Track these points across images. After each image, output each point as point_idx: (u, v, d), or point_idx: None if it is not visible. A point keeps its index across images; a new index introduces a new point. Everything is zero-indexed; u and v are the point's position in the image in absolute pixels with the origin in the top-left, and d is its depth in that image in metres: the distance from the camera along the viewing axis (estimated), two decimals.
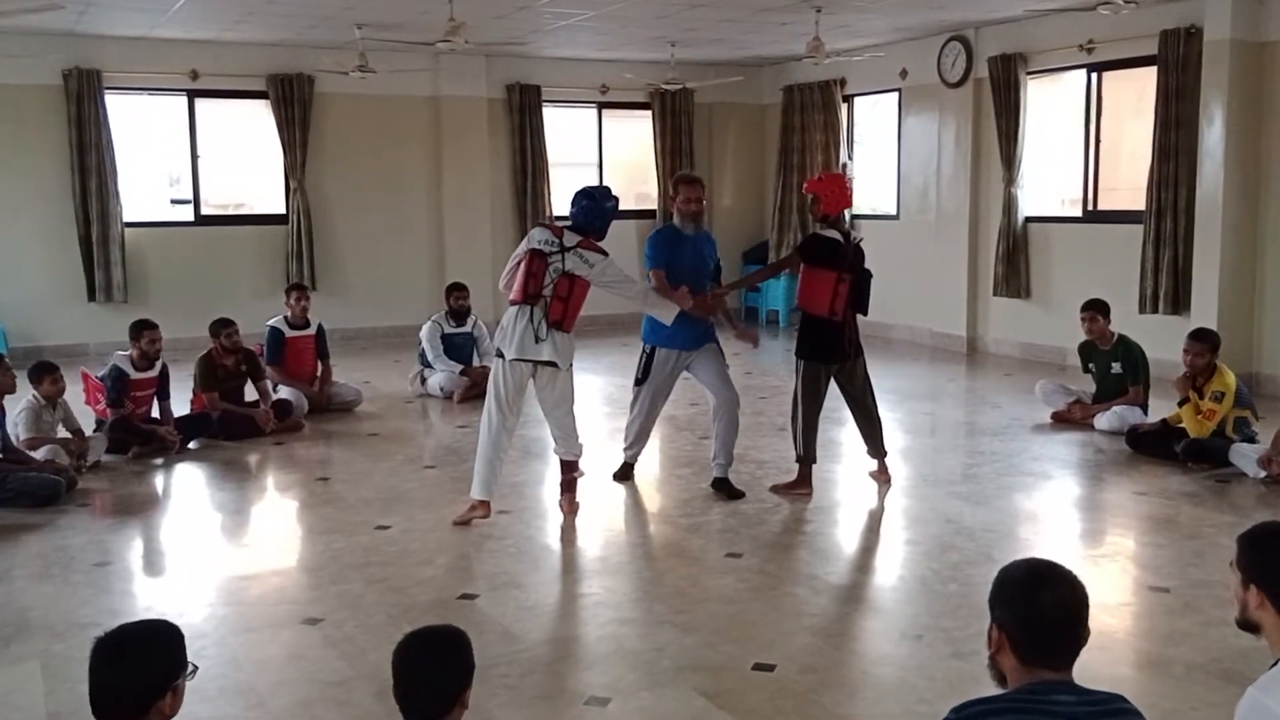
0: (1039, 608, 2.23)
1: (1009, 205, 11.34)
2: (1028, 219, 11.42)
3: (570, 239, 5.82)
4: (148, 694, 2.43)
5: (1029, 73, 11.21)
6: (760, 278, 6.56)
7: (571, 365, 5.94)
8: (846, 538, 5.97)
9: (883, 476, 6.81)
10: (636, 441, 6.87)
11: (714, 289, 6.53)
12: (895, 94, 12.98)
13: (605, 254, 5.87)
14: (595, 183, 14.35)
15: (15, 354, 10.78)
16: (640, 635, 4.52)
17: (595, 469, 6.99)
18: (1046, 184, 11.63)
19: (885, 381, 10.38)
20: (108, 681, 2.41)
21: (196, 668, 2.56)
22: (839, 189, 6.53)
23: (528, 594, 5.03)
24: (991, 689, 2.30)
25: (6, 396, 6.60)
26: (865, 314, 6.52)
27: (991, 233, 11.60)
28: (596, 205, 5.93)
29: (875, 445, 6.76)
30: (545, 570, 5.39)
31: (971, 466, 7.39)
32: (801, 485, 6.54)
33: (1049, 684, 2.21)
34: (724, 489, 6.51)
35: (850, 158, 13.78)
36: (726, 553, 5.57)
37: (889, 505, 6.51)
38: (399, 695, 2.56)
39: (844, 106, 13.60)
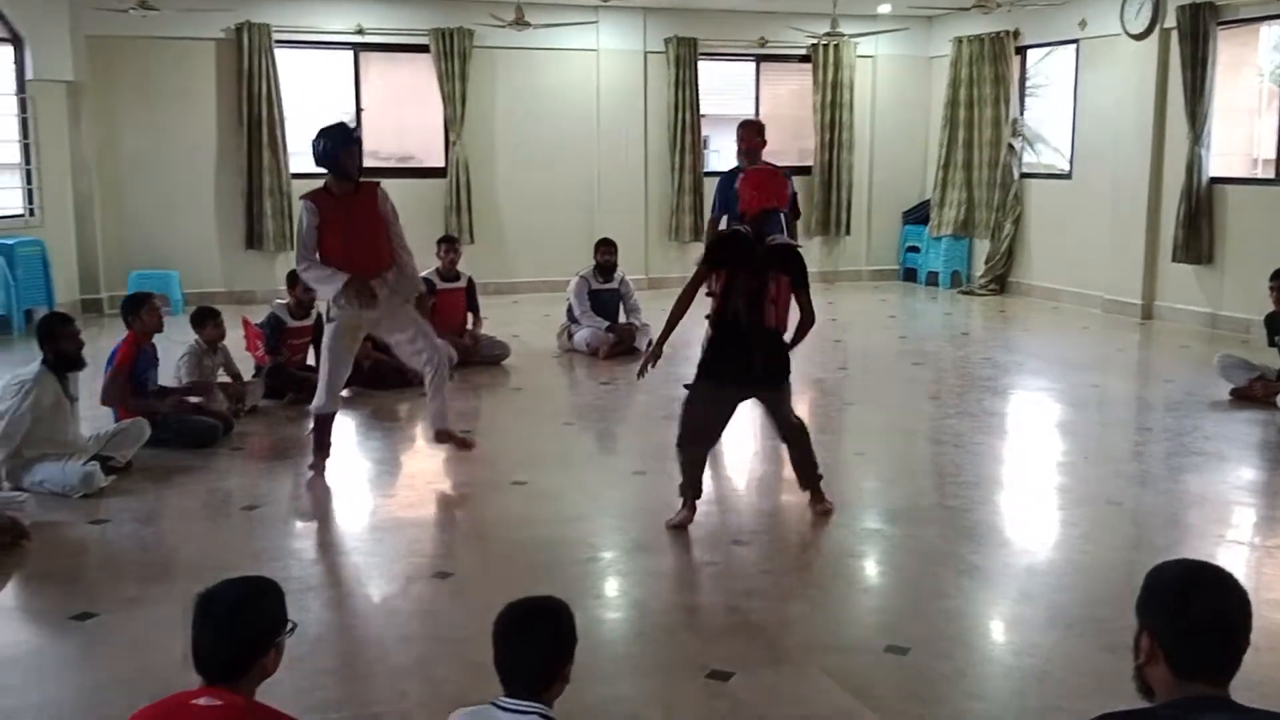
0: (1195, 616, 2.00)
1: (1193, 165, 10.58)
2: (1213, 180, 10.64)
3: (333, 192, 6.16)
4: (251, 651, 2.42)
5: (1220, 23, 10.39)
6: (679, 312, 5.13)
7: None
8: (995, 515, 5.66)
9: (819, 507, 5.41)
10: None
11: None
12: (1073, 46, 12.27)
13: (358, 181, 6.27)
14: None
15: (190, 299, 11.25)
16: (768, 609, 4.37)
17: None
18: (1235, 143, 10.81)
19: (1050, 350, 9.98)
20: (210, 638, 2.40)
21: (295, 625, 2.54)
22: (774, 189, 5.24)
23: (656, 559, 4.92)
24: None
25: (156, 336, 6.83)
26: (773, 324, 5.05)
27: (1173, 194, 10.86)
28: (329, 140, 6.10)
29: (805, 478, 5.43)
30: (676, 535, 5.25)
31: (1139, 445, 6.96)
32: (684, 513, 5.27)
33: (1202, 700, 1.98)
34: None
35: (1021, 113, 13.12)
36: (865, 526, 5.36)
37: (1045, 483, 6.17)
38: (498, 666, 2.50)
39: (1016, 59, 12.94)
